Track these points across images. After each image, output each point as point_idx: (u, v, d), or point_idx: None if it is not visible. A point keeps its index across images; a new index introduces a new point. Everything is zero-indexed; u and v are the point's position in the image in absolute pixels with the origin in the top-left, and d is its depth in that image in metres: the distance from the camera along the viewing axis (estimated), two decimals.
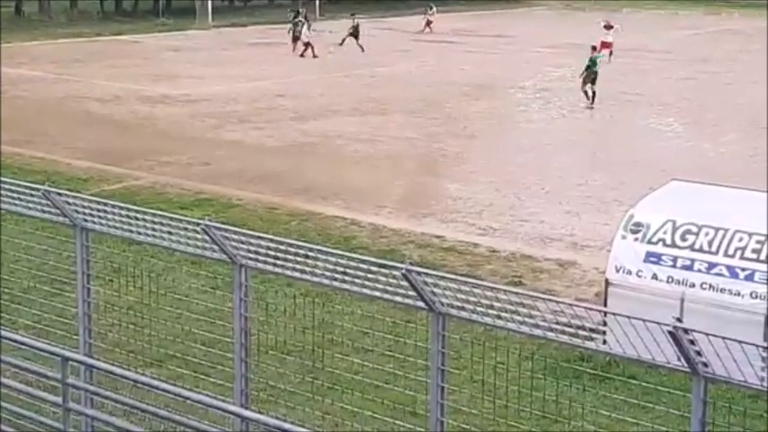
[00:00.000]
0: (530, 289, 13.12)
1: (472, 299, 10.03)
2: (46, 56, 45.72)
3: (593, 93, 36.00)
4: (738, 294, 12.58)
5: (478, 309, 9.88)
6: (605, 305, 12.85)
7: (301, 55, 47.09)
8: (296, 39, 49.32)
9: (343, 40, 50.65)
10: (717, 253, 13.01)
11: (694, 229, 13.29)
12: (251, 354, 10.58)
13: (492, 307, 10.06)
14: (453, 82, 39.58)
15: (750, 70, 39.05)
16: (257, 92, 35.85)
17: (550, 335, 10.20)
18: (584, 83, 35.95)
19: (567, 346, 10.73)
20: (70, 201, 11.48)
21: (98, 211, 11.45)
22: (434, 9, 62.30)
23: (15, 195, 12.14)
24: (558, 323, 10.38)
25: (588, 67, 36.37)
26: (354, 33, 50.88)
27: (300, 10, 52.93)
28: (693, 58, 44.87)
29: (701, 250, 13.13)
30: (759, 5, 73.90)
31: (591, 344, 10.80)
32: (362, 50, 48.79)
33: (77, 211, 11.27)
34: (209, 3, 64.67)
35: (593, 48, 37.92)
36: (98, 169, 23.45)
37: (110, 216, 11.43)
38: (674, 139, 28.50)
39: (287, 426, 8.45)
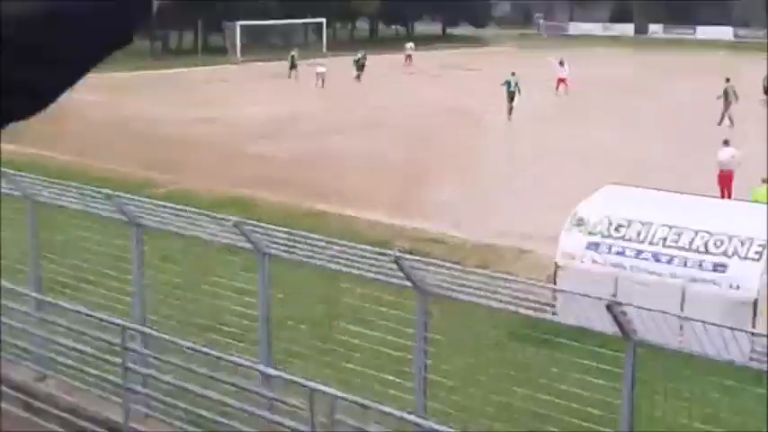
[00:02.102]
0: (494, 271, 13.16)
1: (450, 279, 10.14)
2: (105, 85, 45.57)
3: (511, 108, 36.34)
4: (660, 275, 12.71)
5: (455, 287, 10.00)
6: (555, 284, 12.93)
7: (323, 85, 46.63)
8: (293, 67, 49.97)
9: (359, 76, 49.82)
10: (643, 242, 13.15)
11: (625, 224, 13.43)
12: (272, 323, 10.67)
13: (465, 286, 10.17)
14: (431, 107, 39.37)
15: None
16: (277, 115, 35.76)
17: (511, 308, 10.34)
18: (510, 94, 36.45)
19: (525, 316, 10.87)
20: (128, 202, 11.57)
21: (152, 210, 11.60)
22: (412, 44, 62.04)
23: (81, 197, 12.27)
24: (517, 298, 10.48)
25: (507, 87, 36.74)
26: (360, 65, 50.13)
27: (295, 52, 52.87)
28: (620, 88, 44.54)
29: (630, 240, 13.28)
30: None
31: (543, 315, 10.93)
32: (359, 81, 48.49)
33: (135, 212, 11.42)
34: (238, 42, 64.37)
35: (513, 73, 37.71)
36: (147, 176, 23.47)
37: (162, 214, 11.55)
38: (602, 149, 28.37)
39: (303, 381, 8.55)
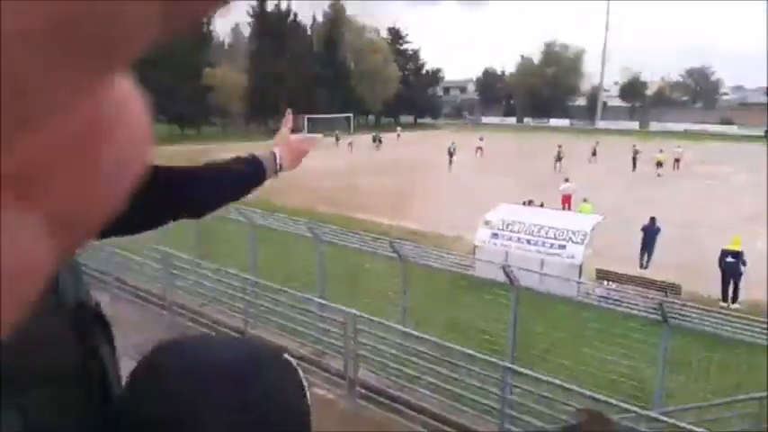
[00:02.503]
0: (442, 249, 13.07)
1: (420, 253, 10.05)
2: (236, 149, 45.17)
3: (451, 161, 36.06)
4: (530, 251, 12.67)
5: (423, 257, 9.92)
6: (474, 255, 12.87)
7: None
8: (337, 140, 49.41)
9: (377, 146, 49.19)
10: (521, 233, 13.09)
11: (511, 223, 13.36)
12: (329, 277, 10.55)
13: (429, 256, 10.09)
14: (410, 160, 39.32)
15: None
16: (327, 166, 35.80)
17: (454, 269, 10.22)
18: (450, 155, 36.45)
19: (460, 274, 10.80)
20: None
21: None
22: (399, 128, 62.38)
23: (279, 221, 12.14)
24: (457, 264, 10.37)
25: (449, 150, 36.65)
26: (379, 140, 49.82)
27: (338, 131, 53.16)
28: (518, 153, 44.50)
29: (515, 232, 13.18)
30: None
31: (468, 272, 10.81)
32: (378, 148, 48.51)
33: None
34: (306, 125, 64.47)
35: (453, 143, 37.82)
36: (261, 198, 23.36)
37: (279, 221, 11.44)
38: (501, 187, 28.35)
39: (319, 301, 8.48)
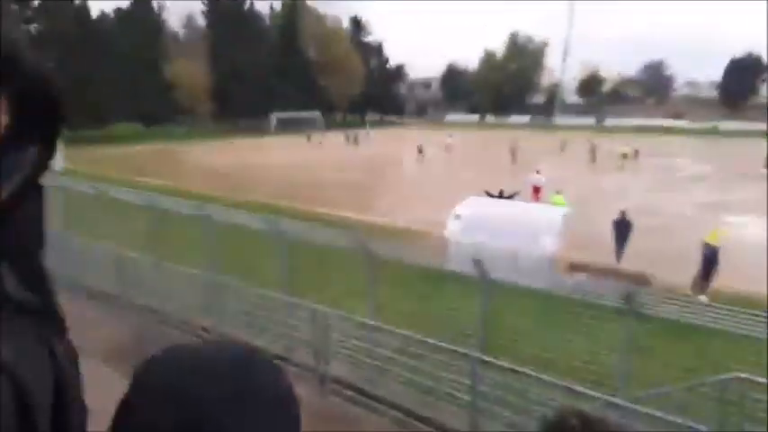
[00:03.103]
0: (412, 242, 13.06)
1: (387, 248, 9.96)
2: (202, 148, 44.47)
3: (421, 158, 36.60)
4: (500, 244, 12.67)
5: (390, 252, 9.83)
6: (445, 249, 12.89)
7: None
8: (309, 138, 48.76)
9: (355, 143, 48.52)
10: (492, 226, 13.12)
11: (482, 216, 13.44)
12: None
13: (397, 251, 10.01)
14: (373, 156, 39.32)
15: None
16: (296, 161, 35.53)
17: (423, 263, 10.18)
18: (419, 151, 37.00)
19: (430, 267, 10.79)
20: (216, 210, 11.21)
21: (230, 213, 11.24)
22: (369, 127, 62.15)
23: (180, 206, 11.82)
24: (426, 258, 10.32)
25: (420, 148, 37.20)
26: (354, 139, 49.18)
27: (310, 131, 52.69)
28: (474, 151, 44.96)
29: (484, 225, 13.19)
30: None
31: (444, 266, 10.78)
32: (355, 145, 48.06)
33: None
34: (273, 124, 64.00)
35: (420, 144, 38.75)
36: (219, 195, 22.93)
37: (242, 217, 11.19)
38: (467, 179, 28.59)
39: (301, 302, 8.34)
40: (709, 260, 12.22)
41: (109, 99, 50.53)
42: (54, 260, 10.26)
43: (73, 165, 27.88)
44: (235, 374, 0.63)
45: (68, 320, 0.78)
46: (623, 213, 14.84)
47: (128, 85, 52.44)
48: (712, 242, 12.43)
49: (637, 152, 37.35)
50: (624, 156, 35.04)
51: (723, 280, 12.26)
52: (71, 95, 44.98)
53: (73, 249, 10.58)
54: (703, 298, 11.87)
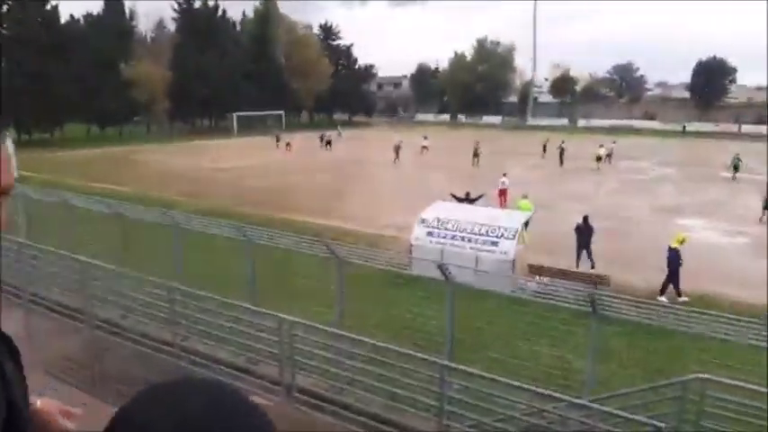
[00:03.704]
0: (378, 248, 13.15)
1: (356, 253, 10.05)
2: (160, 150, 43.84)
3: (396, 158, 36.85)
4: (464, 248, 12.93)
5: (358, 258, 9.92)
6: (410, 254, 13.01)
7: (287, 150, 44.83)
8: (278, 140, 47.74)
9: (328, 145, 46.49)
10: (456, 230, 13.34)
11: (446, 221, 13.59)
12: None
13: (363, 256, 10.10)
14: (344, 159, 39.29)
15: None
16: (259, 164, 35.19)
17: (390, 268, 10.28)
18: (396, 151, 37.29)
19: (396, 271, 10.89)
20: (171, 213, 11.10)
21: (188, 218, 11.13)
22: (340, 127, 61.20)
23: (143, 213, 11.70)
24: (392, 263, 10.44)
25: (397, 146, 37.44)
26: (327, 141, 46.98)
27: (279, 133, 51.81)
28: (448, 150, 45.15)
29: (448, 230, 13.42)
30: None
31: (404, 270, 10.91)
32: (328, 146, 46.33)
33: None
34: (235, 125, 63.14)
35: (401, 141, 38.92)
36: (183, 200, 22.65)
37: (193, 222, 11.09)
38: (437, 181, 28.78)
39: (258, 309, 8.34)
40: (674, 263, 12.61)
41: (63, 101, 49.56)
42: (11, 272, 10.08)
43: (26, 171, 27.18)
44: (210, 417, 0.63)
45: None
46: (585, 219, 15.03)
47: (84, 86, 51.43)
48: (676, 246, 12.84)
49: (610, 155, 38.17)
50: (598, 158, 36.15)
51: (686, 282, 12.72)
52: (25, 98, 44.35)
53: (32, 260, 10.34)
54: (663, 299, 12.28)
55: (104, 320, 9.58)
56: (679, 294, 12.50)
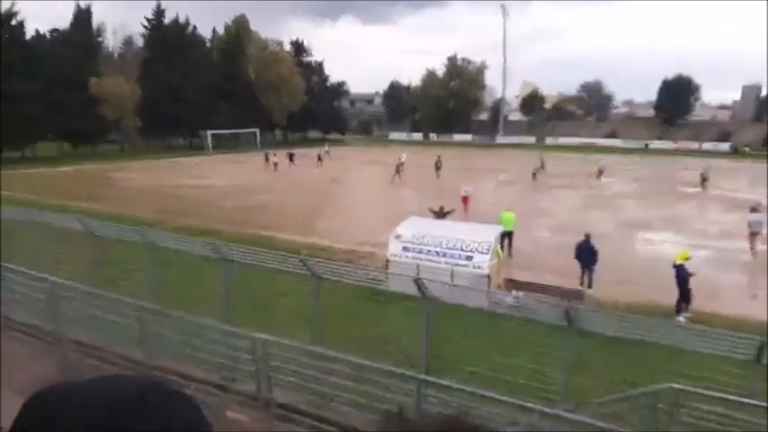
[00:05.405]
0: (354, 264, 13.14)
1: (331, 269, 10.02)
2: (134, 168, 43.16)
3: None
4: (440, 263, 13.01)
5: (333, 274, 9.89)
6: (387, 269, 13.03)
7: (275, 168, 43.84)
8: (267, 159, 46.00)
9: (319, 162, 45.94)
10: (431, 245, 13.42)
11: (422, 236, 13.67)
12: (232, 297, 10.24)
13: (339, 272, 10.08)
14: (320, 177, 39.25)
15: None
16: (236, 183, 34.95)
17: (366, 284, 10.28)
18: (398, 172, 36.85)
19: (372, 287, 10.88)
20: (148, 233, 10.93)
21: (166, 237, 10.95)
22: (328, 145, 60.44)
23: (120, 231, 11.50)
24: (369, 278, 10.44)
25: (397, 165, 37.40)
26: (319, 157, 46.58)
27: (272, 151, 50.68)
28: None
29: (425, 245, 13.49)
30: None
31: (380, 286, 10.91)
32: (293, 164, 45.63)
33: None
34: (209, 142, 62.40)
35: (400, 157, 39.58)
36: (160, 218, 22.26)
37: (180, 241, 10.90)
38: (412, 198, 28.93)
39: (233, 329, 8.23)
40: (683, 278, 12.19)
41: (33, 118, 48.33)
42: None
43: None
44: (112, 411, 0.60)
45: None
46: (587, 237, 14.49)
47: (54, 103, 50.37)
48: (681, 262, 12.43)
49: (601, 172, 39.38)
50: (600, 172, 39.27)
51: (652, 296, 12.94)
52: None
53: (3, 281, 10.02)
54: (681, 319, 11.75)
55: (76, 341, 9.33)
56: (678, 311, 12.07)
